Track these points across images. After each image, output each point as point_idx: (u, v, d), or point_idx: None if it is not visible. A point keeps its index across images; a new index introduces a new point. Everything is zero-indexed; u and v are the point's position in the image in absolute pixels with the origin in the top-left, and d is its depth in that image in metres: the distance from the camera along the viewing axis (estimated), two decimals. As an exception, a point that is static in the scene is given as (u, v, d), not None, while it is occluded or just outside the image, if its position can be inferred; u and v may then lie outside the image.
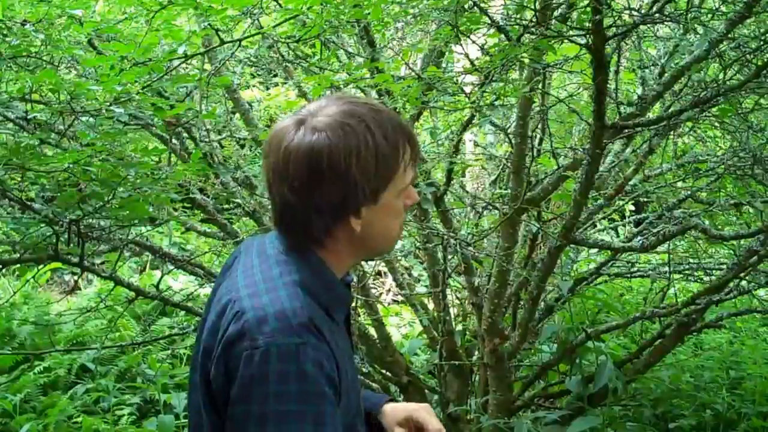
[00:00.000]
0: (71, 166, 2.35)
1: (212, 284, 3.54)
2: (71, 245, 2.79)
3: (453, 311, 3.94)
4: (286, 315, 1.21)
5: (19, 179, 2.74)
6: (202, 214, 3.51)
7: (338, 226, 1.31)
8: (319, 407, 1.19)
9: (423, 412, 1.56)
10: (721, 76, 2.73)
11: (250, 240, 1.47)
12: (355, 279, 1.58)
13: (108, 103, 2.36)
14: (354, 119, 1.27)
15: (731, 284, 3.06)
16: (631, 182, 3.51)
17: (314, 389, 1.19)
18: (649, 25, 3.10)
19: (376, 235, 1.35)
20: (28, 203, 2.67)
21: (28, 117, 2.67)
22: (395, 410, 1.58)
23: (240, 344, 1.20)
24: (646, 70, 3.16)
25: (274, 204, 1.33)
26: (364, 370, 3.49)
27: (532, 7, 2.55)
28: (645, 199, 4.05)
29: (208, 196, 3.44)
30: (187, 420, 4.31)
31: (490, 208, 3.74)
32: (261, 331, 1.19)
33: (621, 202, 3.78)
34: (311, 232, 1.31)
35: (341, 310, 1.36)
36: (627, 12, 2.76)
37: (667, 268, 3.40)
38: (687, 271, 3.73)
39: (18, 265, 3.09)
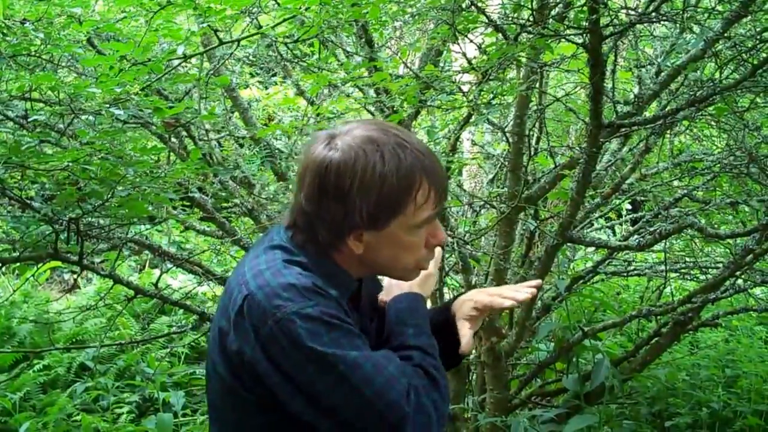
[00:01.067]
0: (70, 164, 2.37)
1: (211, 282, 3.56)
2: (70, 244, 2.80)
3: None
4: (291, 284, 1.29)
5: (19, 178, 2.76)
6: (200, 213, 3.53)
7: (341, 242, 1.37)
8: (355, 341, 1.29)
9: (481, 296, 1.59)
10: (717, 75, 2.74)
11: (262, 235, 1.54)
12: None
13: (107, 104, 2.38)
14: (372, 145, 1.32)
15: (727, 283, 3.08)
16: (627, 181, 3.52)
17: (345, 330, 1.29)
18: (645, 25, 3.11)
19: (382, 263, 1.41)
20: (28, 202, 2.69)
21: (28, 116, 2.68)
22: (462, 304, 1.61)
23: (266, 326, 1.27)
24: (643, 70, 3.17)
25: (292, 204, 1.42)
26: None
27: (529, 6, 2.56)
28: (641, 198, 4.06)
29: (207, 195, 3.46)
30: (184, 418, 4.35)
31: (488, 206, 3.75)
32: (274, 305, 1.27)
33: (618, 201, 3.79)
34: (316, 240, 1.37)
35: (344, 296, 1.40)
36: (623, 11, 2.77)
37: (663, 267, 3.41)
38: (683, 270, 3.74)
39: (17, 264, 3.09)
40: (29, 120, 2.64)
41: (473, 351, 3.59)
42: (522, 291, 1.56)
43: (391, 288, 1.54)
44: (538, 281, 1.65)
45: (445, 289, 3.70)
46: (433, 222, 1.40)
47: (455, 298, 1.65)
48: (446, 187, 1.40)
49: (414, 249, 1.40)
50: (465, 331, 1.54)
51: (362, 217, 1.32)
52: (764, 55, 2.57)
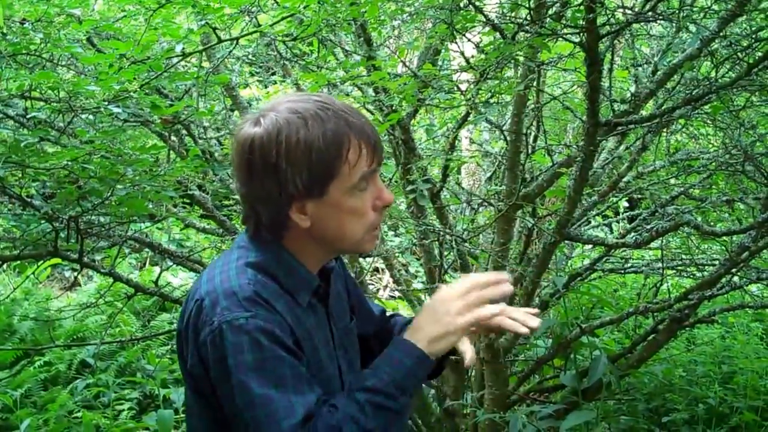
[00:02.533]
0: (70, 163, 2.38)
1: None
2: (71, 242, 2.82)
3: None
4: (233, 291, 1.29)
5: (20, 176, 2.77)
6: (201, 211, 3.55)
7: (285, 219, 1.35)
8: (277, 370, 1.26)
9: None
10: (713, 74, 2.76)
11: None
12: (338, 268, 1.58)
13: (106, 102, 2.39)
14: (294, 115, 1.31)
15: (723, 280, 3.09)
16: (624, 179, 3.54)
17: (269, 354, 1.26)
18: (642, 24, 3.13)
19: (331, 232, 1.37)
20: (29, 200, 2.70)
21: (28, 115, 2.69)
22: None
23: (204, 331, 1.28)
24: (640, 68, 3.19)
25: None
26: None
27: (527, 5, 2.58)
28: (638, 196, 4.08)
29: (207, 193, 3.47)
30: (185, 415, 4.37)
31: (486, 204, 3.77)
32: (215, 312, 1.28)
33: (615, 199, 3.80)
34: (262, 223, 1.36)
35: (305, 293, 1.39)
36: (620, 10, 2.79)
37: (660, 264, 3.42)
38: (680, 267, 3.75)
39: (18, 262, 3.11)
40: (29, 117, 2.66)
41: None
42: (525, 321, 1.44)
43: (418, 323, 1.37)
44: (535, 310, 1.52)
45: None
46: (375, 182, 1.38)
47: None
48: (378, 141, 1.36)
49: (359, 213, 1.37)
50: (466, 347, 1.41)
51: (297, 186, 1.30)
52: (760, 54, 2.58)
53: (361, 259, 3.73)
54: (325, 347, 1.41)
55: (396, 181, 3.42)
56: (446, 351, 1.38)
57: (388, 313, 1.75)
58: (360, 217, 1.37)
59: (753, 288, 4.03)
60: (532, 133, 3.34)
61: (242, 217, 1.42)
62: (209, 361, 1.28)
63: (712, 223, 3.48)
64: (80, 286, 6.69)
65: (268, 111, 1.34)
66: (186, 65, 3.28)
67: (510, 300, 3.36)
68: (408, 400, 1.33)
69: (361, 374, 1.35)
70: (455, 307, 1.36)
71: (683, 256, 3.76)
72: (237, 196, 3.33)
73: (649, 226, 3.08)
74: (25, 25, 2.52)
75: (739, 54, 2.74)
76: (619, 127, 2.79)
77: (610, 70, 2.94)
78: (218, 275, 1.33)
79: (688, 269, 3.74)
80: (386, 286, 6.58)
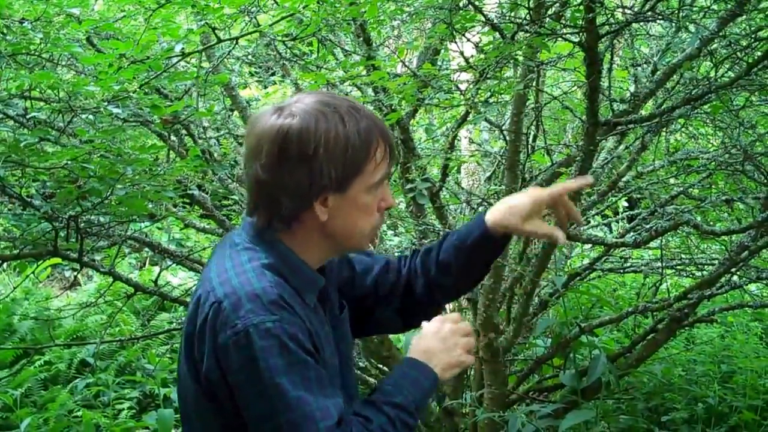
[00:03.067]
0: (70, 162, 2.38)
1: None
2: (70, 241, 2.82)
3: (448, 306, 3.97)
4: (256, 294, 1.28)
5: (20, 176, 2.77)
6: (200, 210, 3.55)
7: (306, 211, 1.35)
8: (305, 373, 1.26)
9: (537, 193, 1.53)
10: (712, 73, 2.76)
11: (224, 236, 1.53)
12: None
13: (106, 101, 2.39)
14: (329, 108, 1.33)
15: (723, 279, 3.09)
16: (624, 179, 3.54)
17: (297, 358, 1.26)
18: (641, 24, 3.13)
19: (343, 229, 1.39)
20: (28, 200, 2.71)
21: (28, 115, 2.69)
22: (508, 211, 1.51)
23: (223, 333, 1.27)
24: (639, 68, 3.19)
25: (247, 184, 1.39)
26: (360, 364, 3.52)
27: (526, 5, 2.58)
28: (638, 196, 4.08)
29: (207, 193, 3.47)
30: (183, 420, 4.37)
31: (485, 204, 3.76)
32: (237, 315, 1.26)
33: (614, 199, 3.80)
34: (280, 213, 1.35)
35: (312, 294, 1.40)
36: (620, 10, 2.79)
37: (659, 264, 3.43)
38: (679, 267, 3.75)
39: (18, 261, 3.11)
40: (28, 117, 2.66)
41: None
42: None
43: (420, 347, 1.45)
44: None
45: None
46: (385, 185, 1.41)
47: (481, 215, 1.54)
48: (395, 146, 1.42)
49: (370, 212, 1.40)
50: (545, 228, 1.49)
51: (330, 179, 1.32)
52: (759, 53, 2.59)
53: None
54: (328, 346, 1.42)
55: (395, 181, 3.42)
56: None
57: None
58: (370, 215, 1.40)
59: (752, 287, 4.04)
60: (532, 133, 3.35)
61: (249, 208, 1.40)
62: (231, 364, 1.27)
63: (711, 223, 3.49)
64: (80, 285, 6.69)
65: (293, 104, 1.34)
66: (186, 65, 3.28)
67: (509, 299, 3.36)
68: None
69: (384, 388, 1.38)
70: (464, 344, 1.45)
71: (683, 256, 3.77)
72: (235, 194, 3.33)
73: (648, 226, 3.08)
74: (24, 25, 2.52)
75: (738, 54, 2.74)
76: (619, 127, 2.80)
77: (610, 70, 2.95)
78: (235, 277, 1.31)
79: (687, 269, 3.74)
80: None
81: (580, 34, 2.41)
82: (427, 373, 1.40)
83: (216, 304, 1.29)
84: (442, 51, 3.67)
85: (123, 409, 4.56)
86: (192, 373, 1.35)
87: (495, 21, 2.69)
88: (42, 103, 2.86)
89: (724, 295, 3.38)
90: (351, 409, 1.35)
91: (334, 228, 1.38)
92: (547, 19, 2.69)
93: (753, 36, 2.70)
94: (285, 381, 1.24)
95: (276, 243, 1.38)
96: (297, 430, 1.24)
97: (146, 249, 3.63)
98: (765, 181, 2.94)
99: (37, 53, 2.64)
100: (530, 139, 3.29)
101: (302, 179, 1.31)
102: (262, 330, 1.25)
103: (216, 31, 2.63)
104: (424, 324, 1.49)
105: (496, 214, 1.52)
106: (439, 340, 1.43)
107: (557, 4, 2.79)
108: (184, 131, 3.28)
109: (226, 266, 1.35)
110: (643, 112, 3.15)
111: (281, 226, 1.37)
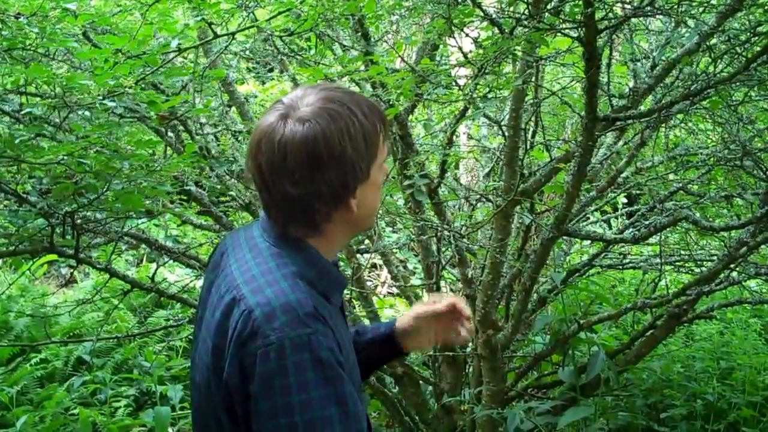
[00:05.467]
0: (65, 158, 2.37)
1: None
2: (66, 237, 2.81)
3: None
4: (292, 307, 1.24)
5: (15, 172, 2.76)
6: (198, 207, 3.53)
7: (339, 210, 1.34)
8: (338, 388, 1.24)
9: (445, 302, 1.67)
10: (711, 69, 2.75)
11: (235, 235, 1.49)
12: (341, 263, 1.64)
13: (101, 97, 2.38)
14: (335, 104, 1.32)
15: (722, 275, 3.09)
16: (623, 174, 3.53)
17: (331, 373, 1.24)
18: (640, 18, 3.12)
19: (366, 212, 1.39)
20: (24, 196, 2.69)
21: (23, 110, 2.68)
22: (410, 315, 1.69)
23: (253, 343, 1.23)
24: (638, 63, 3.18)
25: (272, 200, 1.34)
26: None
27: (525, 0, 2.57)
28: (637, 192, 4.07)
29: (204, 189, 3.46)
30: (182, 411, 4.37)
31: (484, 200, 3.76)
32: (271, 326, 1.23)
33: (613, 195, 3.80)
34: (313, 221, 1.34)
35: (338, 293, 1.40)
36: (618, 5, 2.78)
37: (658, 260, 3.42)
38: (678, 263, 3.75)
39: (14, 258, 3.09)
40: (24, 113, 2.64)
41: (469, 344, 3.60)
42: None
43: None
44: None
45: (443, 283, 3.72)
46: None
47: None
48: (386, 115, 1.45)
49: (380, 187, 1.43)
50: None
51: (361, 172, 1.33)
52: (758, 48, 2.58)
53: (359, 256, 3.72)
54: (349, 344, 1.41)
55: (393, 177, 3.41)
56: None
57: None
58: (380, 190, 1.43)
59: (751, 283, 4.03)
60: (531, 129, 3.34)
61: (279, 222, 1.36)
62: (254, 374, 1.23)
63: (710, 219, 3.48)
64: (77, 283, 6.68)
65: (296, 109, 1.31)
66: (183, 61, 3.26)
67: (508, 295, 3.35)
68: None
69: None
70: None
71: (682, 252, 3.76)
72: (233, 191, 3.32)
73: (647, 222, 3.07)
74: (20, 20, 2.50)
75: (737, 49, 2.73)
76: (618, 122, 2.78)
77: (609, 65, 2.93)
78: (267, 287, 1.28)
79: (686, 265, 3.74)
80: (384, 283, 6.57)
81: (579, 29, 2.40)
82: None
83: (246, 312, 1.26)
84: (441, 46, 3.66)
85: (120, 406, 4.56)
86: (217, 383, 1.31)
87: (493, 16, 2.67)
88: (38, 99, 2.84)
89: (723, 291, 3.38)
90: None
91: (360, 215, 1.38)
92: (546, 14, 2.68)
93: (752, 31, 2.69)
94: (314, 398, 1.22)
95: (303, 245, 1.36)
96: None
97: (143, 246, 3.61)
98: (764, 176, 2.93)
99: (32, 48, 2.62)
100: (529, 135, 3.28)
101: (335, 182, 1.31)
102: (297, 344, 1.22)
103: (213, 27, 2.61)
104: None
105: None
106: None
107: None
108: (181, 127, 3.26)
109: (253, 272, 1.32)
110: (643, 108, 3.14)
111: (312, 231, 1.36)
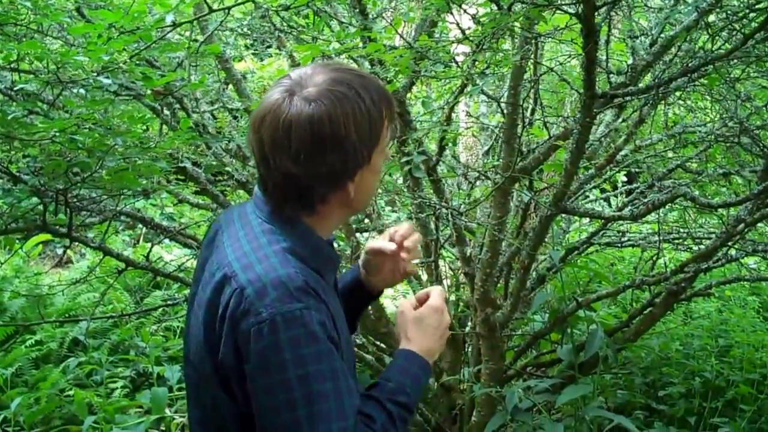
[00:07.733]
0: (57, 134, 2.33)
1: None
2: (59, 216, 2.78)
3: (446, 281, 3.96)
4: (282, 281, 1.24)
5: (7, 149, 2.72)
6: (194, 186, 3.50)
7: (336, 192, 1.34)
8: (332, 363, 1.24)
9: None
10: (709, 45, 2.72)
11: (229, 212, 1.48)
12: (336, 240, 1.63)
13: (95, 73, 2.34)
14: (343, 86, 1.30)
15: (720, 252, 3.08)
16: (622, 152, 3.51)
17: (325, 347, 1.24)
18: (639, -6, 3.09)
19: (363, 196, 1.39)
20: (17, 174, 2.66)
21: (15, 87, 2.64)
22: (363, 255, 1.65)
23: (246, 320, 1.23)
24: (637, 40, 3.14)
25: (270, 177, 1.33)
26: (357, 341, 3.50)
27: (523, -24, 2.53)
28: (636, 169, 4.06)
29: (201, 168, 3.42)
30: (179, 392, 4.36)
31: (483, 177, 3.74)
32: (263, 303, 1.22)
33: (612, 173, 3.78)
34: (310, 201, 1.33)
35: (331, 271, 1.40)
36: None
37: (657, 237, 3.41)
38: (677, 240, 3.74)
39: (6, 237, 3.06)
40: (16, 90, 2.60)
41: (468, 322, 3.60)
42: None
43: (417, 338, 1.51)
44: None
45: (441, 262, 3.70)
46: None
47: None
48: (394, 100, 1.43)
49: (380, 171, 1.43)
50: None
51: (363, 157, 1.32)
52: (755, 24, 2.55)
53: (358, 234, 3.70)
54: (344, 326, 1.40)
55: (393, 156, 3.39)
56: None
57: None
58: (379, 174, 1.43)
59: (750, 261, 4.02)
60: (529, 106, 3.31)
61: (275, 200, 1.35)
62: (249, 352, 1.23)
63: (709, 196, 3.46)
64: (72, 263, 6.65)
65: (304, 87, 1.30)
66: (179, 38, 3.22)
67: (507, 273, 3.34)
68: None
69: (387, 385, 1.38)
70: (445, 324, 1.52)
71: (680, 230, 3.75)
72: (229, 168, 3.29)
73: (646, 200, 3.06)
74: (12, -5, 2.46)
75: (735, 25, 2.70)
76: (616, 99, 2.76)
77: (607, 42, 2.90)
78: (257, 263, 1.27)
79: (684, 242, 3.73)
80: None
81: (577, 5, 2.37)
82: (426, 368, 1.45)
83: (238, 291, 1.25)
84: (439, 23, 3.62)
85: (116, 387, 4.54)
86: (210, 359, 1.31)
87: (492, -8, 2.64)
88: (30, 76, 2.80)
89: (722, 268, 3.37)
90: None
91: (357, 198, 1.37)
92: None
93: (749, 7, 2.65)
94: (310, 372, 1.22)
95: (296, 222, 1.35)
96: (312, 426, 1.21)
97: (140, 226, 3.58)
98: (762, 153, 2.92)
99: (25, 24, 2.58)
100: (528, 113, 3.26)
101: (336, 165, 1.30)
102: (289, 318, 1.22)
103: (208, 2, 2.57)
104: (404, 303, 1.55)
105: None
106: (424, 326, 1.49)
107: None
108: (177, 105, 3.22)
109: (244, 249, 1.32)
110: (642, 85, 3.11)
111: (307, 210, 1.35)
